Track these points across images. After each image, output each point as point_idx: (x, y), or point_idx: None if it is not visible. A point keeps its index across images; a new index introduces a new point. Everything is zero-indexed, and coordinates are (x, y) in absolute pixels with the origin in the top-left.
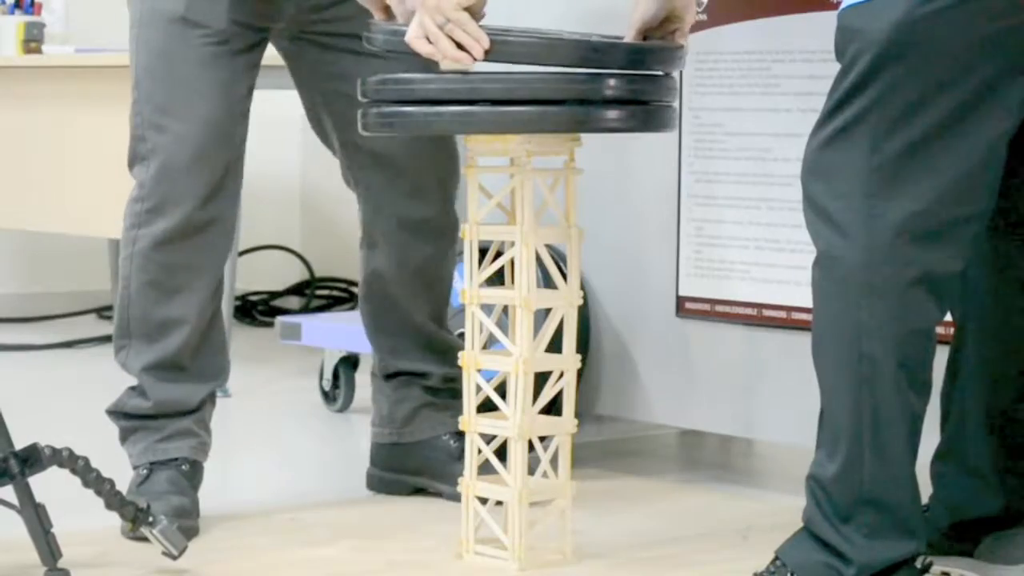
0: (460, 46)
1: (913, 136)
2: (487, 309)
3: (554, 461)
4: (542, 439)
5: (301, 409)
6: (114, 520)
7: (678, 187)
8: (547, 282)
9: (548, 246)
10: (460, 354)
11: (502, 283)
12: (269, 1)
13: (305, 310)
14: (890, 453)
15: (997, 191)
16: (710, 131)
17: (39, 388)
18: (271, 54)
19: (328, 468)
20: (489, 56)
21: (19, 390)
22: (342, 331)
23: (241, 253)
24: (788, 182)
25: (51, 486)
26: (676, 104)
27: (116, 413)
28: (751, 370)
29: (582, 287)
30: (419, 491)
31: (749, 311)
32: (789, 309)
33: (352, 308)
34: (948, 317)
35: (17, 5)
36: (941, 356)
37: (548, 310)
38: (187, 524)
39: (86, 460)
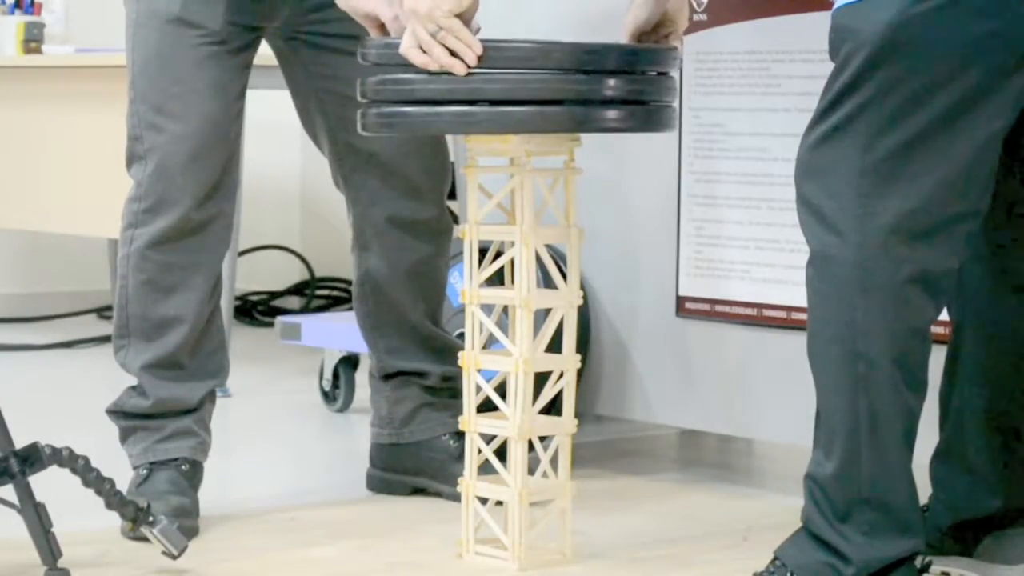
0: (454, 53)
1: (906, 135)
2: (487, 309)
3: (554, 461)
4: (542, 439)
5: (301, 409)
6: (114, 520)
7: (678, 187)
8: (547, 282)
9: (548, 246)
10: (460, 354)
11: (502, 283)
12: (264, 2)
13: (305, 310)
14: (887, 452)
15: (991, 189)
16: (710, 131)
17: (39, 388)
18: (271, 54)
19: (328, 468)
20: (483, 62)
21: (19, 390)
22: (342, 331)
23: (241, 253)
24: (788, 182)
25: (51, 486)
26: (676, 104)
27: (116, 413)
28: (751, 370)
29: (582, 287)
30: (419, 491)
31: (749, 311)
32: (789, 309)
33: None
34: (945, 316)
35: (17, 5)
36: (939, 356)
37: (548, 310)
38: (187, 524)
39: (86, 459)
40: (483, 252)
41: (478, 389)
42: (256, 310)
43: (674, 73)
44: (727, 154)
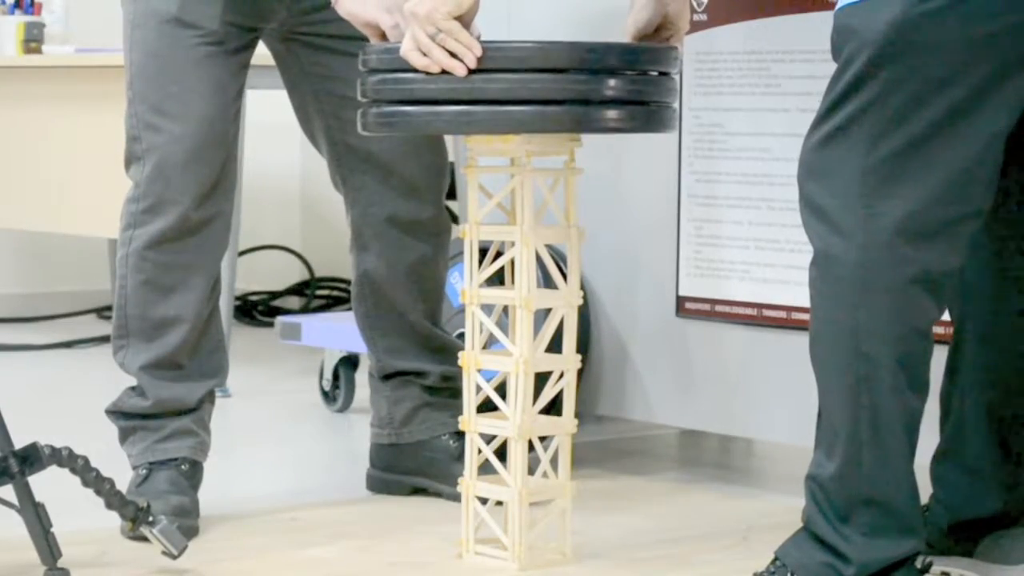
0: (455, 55)
1: (910, 135)
2: (487, 309)
3: (554, 461)
4: (542, 439)
5: (301, 409)
6: (114, 520)
7: (678, 187)
8: (547, 282)
9: (548, 246)
10: (460, 354)
11: (502, 283)
12: (261, 2)
13: (305, 310)
14: (889, 452)
15: (994, 190)
16: (710, 131)
17: (39, 388)
18: (270, 54)
19: (328, 468)
20: (483, 62)
21: (19, 390)
22: (342, 331)
23: (241, 253)
24: (788, 182)
25: (51, 486)
26: (676, 105)
27: (115, 413)
28: (751, 370)
29: (582, 287)
30: (419, 491)
31: (749, 311)
32: (789, 309)
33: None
34: (947, 317)
35: (17, 5)
36: (940, 356)
37: (548, 310)
38: (187, 523)
39: (86, 459)
40: (483, 252)
41: (478, 389)
42: (256, 310)
43: (675, 73)
44: (727, 154)
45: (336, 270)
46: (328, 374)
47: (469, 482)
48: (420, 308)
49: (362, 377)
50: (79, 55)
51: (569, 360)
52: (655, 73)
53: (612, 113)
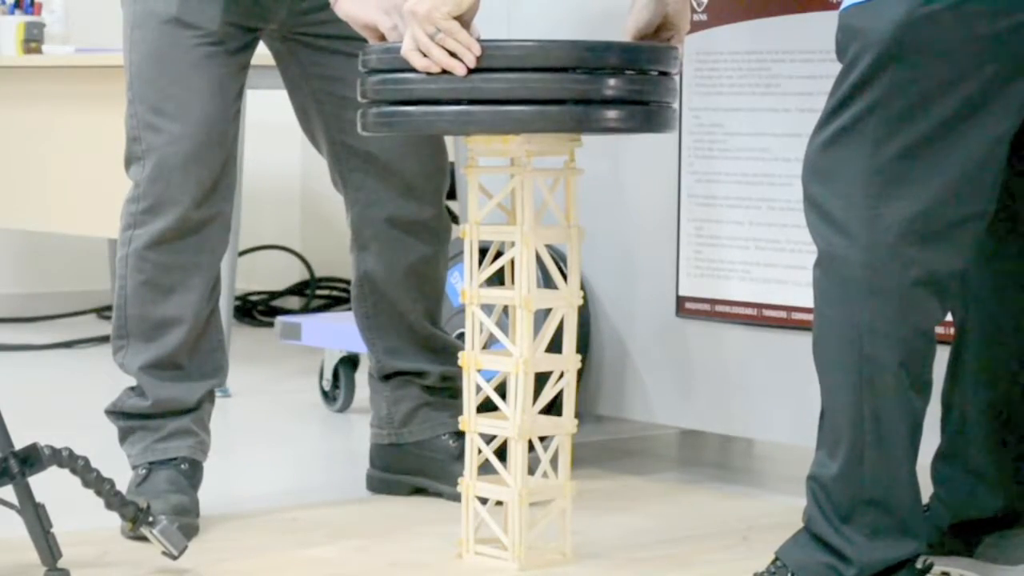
0: (454, 55)
1: (915, 136)
2: (487, 309)
3: (554, 461)
4: (542, 439)
5: (301, 409)
6: (114, 520)
7: (678, 187)
8: (547, 282)
9: (548, 246)
10: (460, 354)
11: (502, 283)
12: (261, 3)
13: (305, 310)
14: (891, 453)
15: (998, 191)
16: (710, 131)
17: (39, 388)
18: (270, 54)
19: (328, 468)
20: (483, 61)
21: (19, 390)
22: (342, 331)
23: (241, 253)
24: (788, 182)
25: (51, 486)
26: (676, 105)
27: (115, 413)
28: (751, 370)
29: (582, 287)
30: (419, 491)
31: (749, 311)
32: (789, 309)
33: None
34: (949, 317)
35: (17, 5)
36: (942, 356)
37: (548, 310)
38: (187, 522)
39: (86, 460)
40: (483, 252)
41: (478, 389)
42: (256, 310)
43: (675, 73)
44: (727, 154)
45: (336, 270)
46: (328, 374)
47: (469, 482)
48: (420, 308)
49: (362, 377)
50: (79, 55)
51: (569, 360)
52: (655, 73)
53: (612, 113)
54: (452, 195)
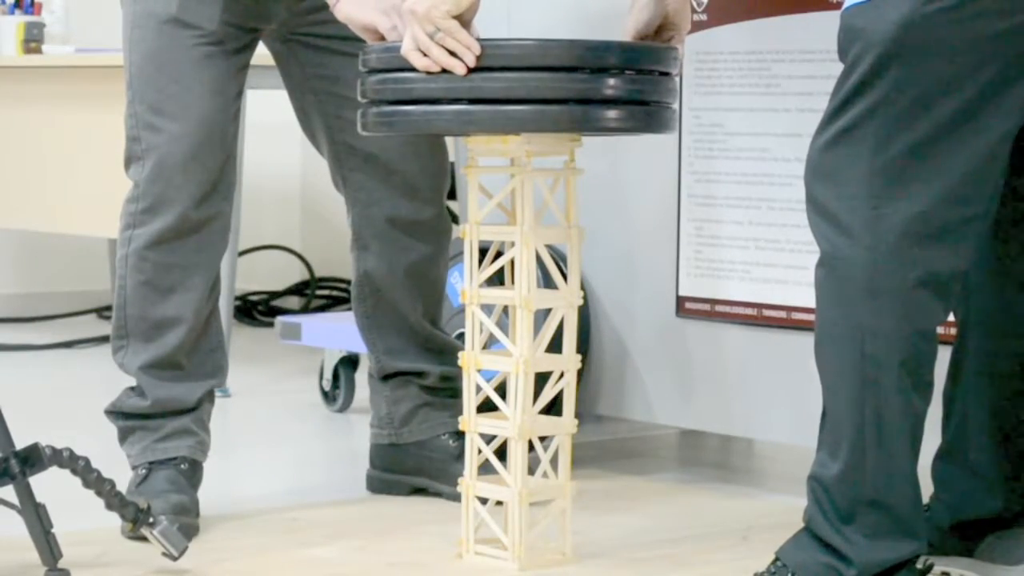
0: (454, 54)
1: (917, 136)
2: (487, 309)
3: (554, 461)
4: (542, 439)
5: (301, 409)
6: (114, 520)
7: (678, 187)
8: (547, 282)
9: (548, 246)
10: (460, 354)
11: (502, 283)
12: (261, 3)
13: (305, 310)
14: (892, 454)
15: (1000, 191)
16: (710, 131)
17: (39, 388)
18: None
19: (328, 468)
20: (482, 60)
21: (19, 390)
22: (342, 331)
23: (241, 253)
24: (788, 182)
25: (51, 486)
26: (676, 105)
27: (115, 413)
28: (751, 370)
29: (582, 287)
30: (419, 491)
31: (749, 311)
32: (789, 309)
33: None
34: (950, 316)
35: (17, 5)
36: (943, 356)
37: (548, 310)
38: (187, 521)
39: (86, 460)
40: (483, 252)
41: (478, 389)
42: (256, 310)
43: (675, 73)
44: (727, 154)
45: (336, 270)
46: (328, 374)
47: (469, 482)
48: (420, 309)
49: (362, 377)
50: (79, 55)
51: (569, 360)
52: (655, 73)
53: (612, 113)
54: (452, 195)
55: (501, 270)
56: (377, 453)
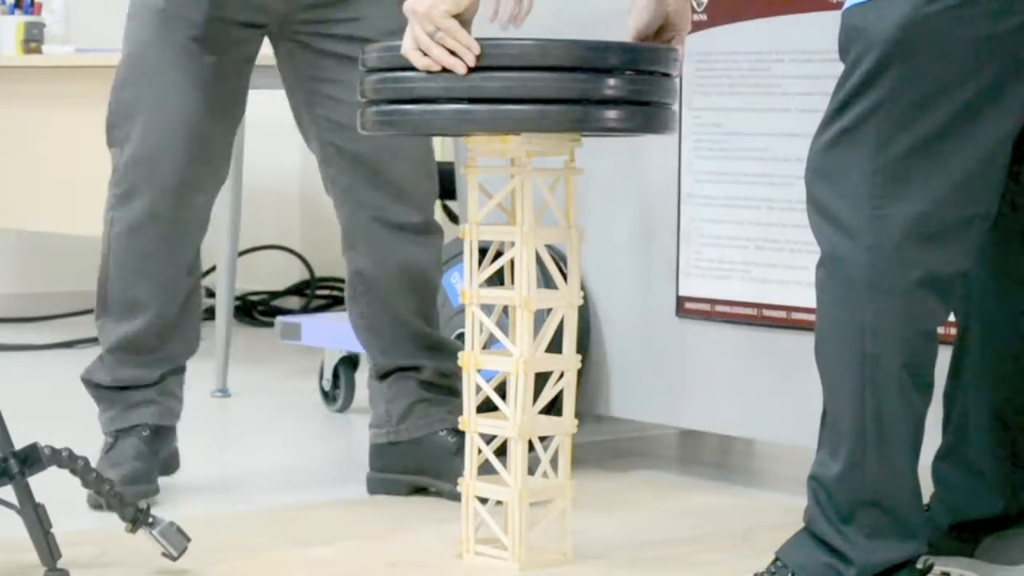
0: (454, 53)
1: (918, 136)
2: (487, 309)
3: (554, 461)
4: (542, 439)
5: (301, 409)
6: (114, 520)
7: (678, 187)
8: (547, 282)
9: (548, 246)
10: (458, 353)
11: (502, 283)
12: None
13: (305, 310)
14: (893, 454)
15: (1001, 191)
16: (710, 131)
17: (39, 388)
18: (270, 53)
19: (328, 468)
20: (483, 59)
21: (19, 390)
22: (342, 331)
23: (241, 253)
24: (788, 182)
25: (51, 486)
26: (676, 107)
27: (87, 381)
28: (751, 370)
29: (582, 287)
30: (419, 491)
31: (749, 311)
32: (789, 309)
33: None
34: (951, 316)
35: (17, 5)
36: (944, 356)
37: (548, 310)
38: (140, 489)
39: (86, 460)
40: (483, 252)
41: (478, 389)
42: (256, 310)
43: (675, 74)
44: (727, 154)
45: (336, 270)
46: (328, 374)
47: (469, 482)
48: (412, 306)
49: (362, 377)
50: (79, 55)
51: (569, 360)
52: (655, 74)
53: (612, 113)
54: (452, 195)
55: (501, 270)
56: (376, 454)
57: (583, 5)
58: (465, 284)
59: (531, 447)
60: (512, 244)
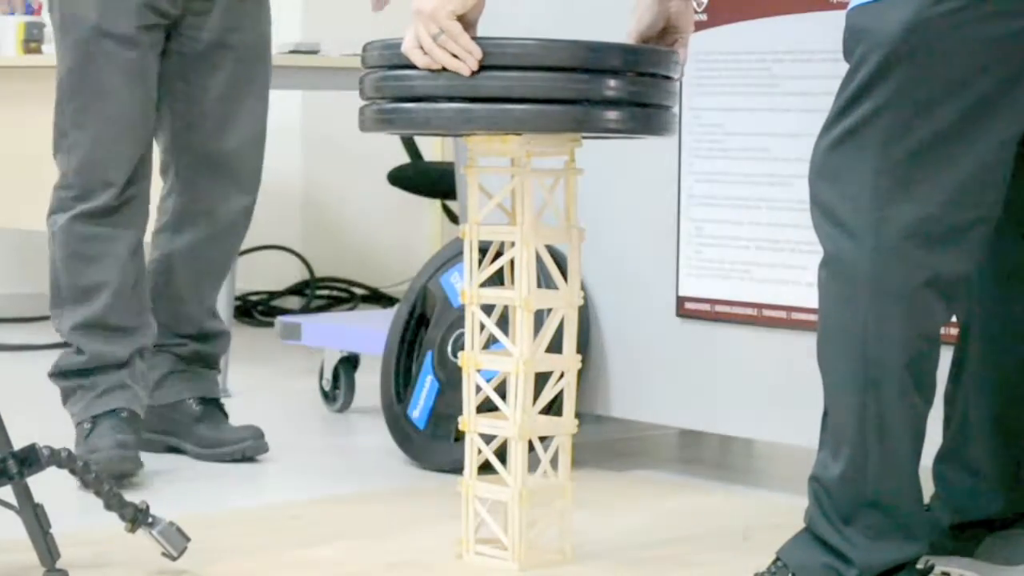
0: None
1: (922, 138)
2: (488, 309)
3: (554, 461)
4: (542, 439)
5: (301, 409)
6: (113, 520)
7: (678, 187)
8: (547, 282)
9: (548, 246)
10: (224, 335)
11: (502, 283)
12: (161, 7)
13: (305, 310)
14: (894, 455)
15: (1004, 194)
16: (710, 131)
17: (39, 388)
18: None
19: (328, 468)
20: (484, 59)
21: (19, 390)
22: (342, 331)
23: (241, 253)
24: (788, 182)
25: (50, 486)
26: (676, 109)
27: (56, 375)
28: (751, 370)
29: (582, 287)
30: (172, 449)
31: (749, 311)
32: (789, 309)
33: (352, 308)
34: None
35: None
36: (945, 356)
37: (548, 310)
38: (128, 454)
39: (85, 460)
40: (483, 252)
41: (478, 389)
42: (256, 310)
43: (675, 76)
44: (727, 154)
45: (336, 270)
46: (328, 374)
47: (469, 482)
48: (203, 293)
49: (362, 377)
50: None
51: (569, 360)
52: (656, 75)
53: (612, 114)
54: (452, 195)
55: (501, 270)
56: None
57: (584, 5)
58: (465, 284)
59: (531, 447)
60: (512, 244)
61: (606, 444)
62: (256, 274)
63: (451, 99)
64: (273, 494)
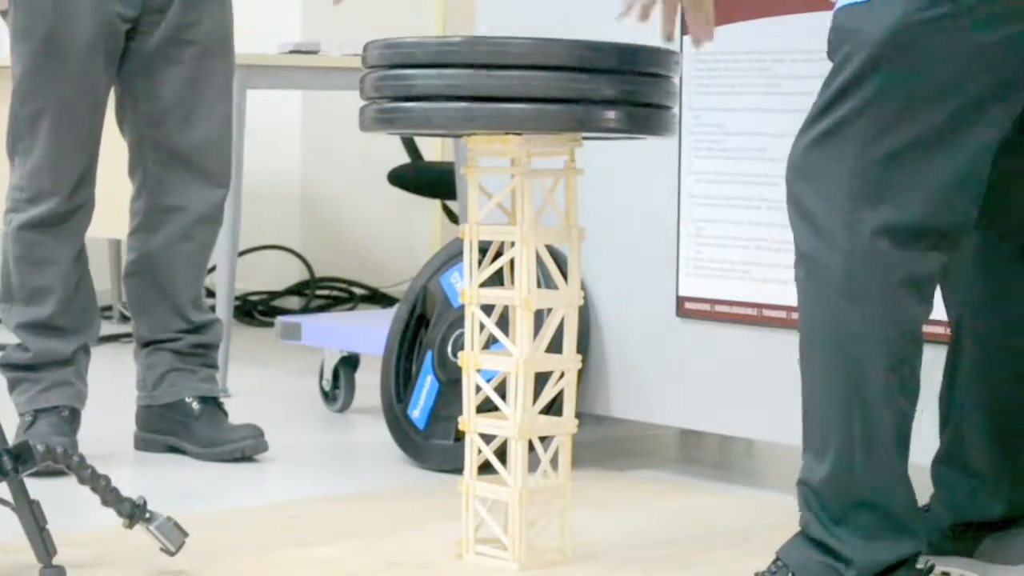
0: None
1: (900, 142)
2: (487, 309)
3: (554, 461)
4: (542, 439)
5: (301, 409)
6: (110, 518)
7: (678, 187)
8: (547, 282)
9: (548, 246)
10: (216, 328)
11: (502, 283)
12: (119, 11)
13: (305, 310)
14: (881, 455)
15: (979, 203)
16: (710, 131)
17: None
18: (269, 55)
19: (328, 468)
20: (484, 58)
21: None
22: (342, 331)
23: (241, 253)
24: None
25: (50, 485)
26: (676, 109)
27: (4, 365)
28: (751, 370)
29: (582, 287)
30: (173, 449)
31: (749, 311)
32: (789, 309)
33: (352, 308)
34: (946, 318)
35: None
36: (940, 357)
37: (548, 310)
38: (65, 441)
39: (81, 457)
40: (483, 252)
41: (478, 389)
42: (256, 310)
43: (675, 76)
44: (727, 154)
45: (336, 270)
46: (328, 374)
47: (469, 482)
48: (187, 288)
49: (362, 377)
50: None
51: (569, 360)
52: (656, 75)
53: (611, 113)
54: (452, 195)
55: (501, 270)
56: (138, 415)
57: (584, 5)
58: (465, 284)
59: (531, 447)
60: (512, 244)
61: (606, 444)
62: (256, 274)
63: (451, 99)
64: (273, 494)
